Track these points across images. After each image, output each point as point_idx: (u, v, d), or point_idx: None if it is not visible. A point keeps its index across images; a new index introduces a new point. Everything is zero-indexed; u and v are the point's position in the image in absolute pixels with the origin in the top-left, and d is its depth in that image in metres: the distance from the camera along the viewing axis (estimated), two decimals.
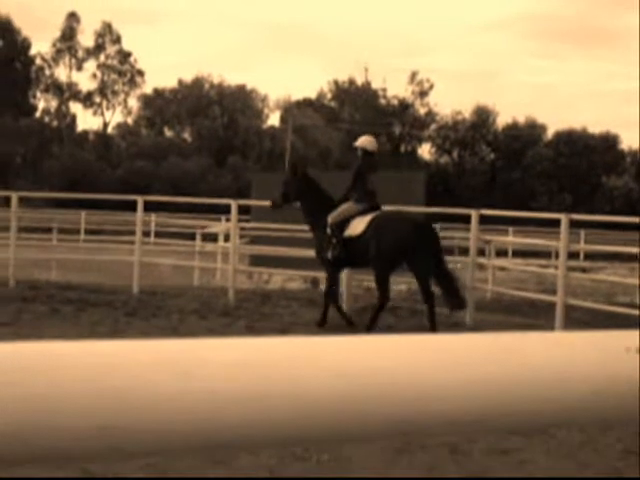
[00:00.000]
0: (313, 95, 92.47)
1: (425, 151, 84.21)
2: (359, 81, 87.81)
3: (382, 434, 1.41)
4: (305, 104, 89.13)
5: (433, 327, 12.58)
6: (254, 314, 13.85)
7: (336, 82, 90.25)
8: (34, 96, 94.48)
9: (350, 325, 13.30)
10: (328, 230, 13.14)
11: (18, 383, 1.14)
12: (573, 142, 75.56)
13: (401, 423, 1.35)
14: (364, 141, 13.72)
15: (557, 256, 17.99)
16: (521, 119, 79.99)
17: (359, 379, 1.30)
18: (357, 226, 12.99)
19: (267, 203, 19.09)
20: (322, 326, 13.08)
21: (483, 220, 15.61)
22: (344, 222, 13.10)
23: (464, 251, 20.37)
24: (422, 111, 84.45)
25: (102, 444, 1.18)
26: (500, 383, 1.40)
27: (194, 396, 1.21)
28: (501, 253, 29.13)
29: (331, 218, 13.15)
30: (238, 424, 1.24)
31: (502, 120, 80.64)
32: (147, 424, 1.19)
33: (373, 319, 12.75)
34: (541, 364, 1.45)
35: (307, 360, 1.30)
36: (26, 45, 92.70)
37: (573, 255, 23.22)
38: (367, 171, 13.41)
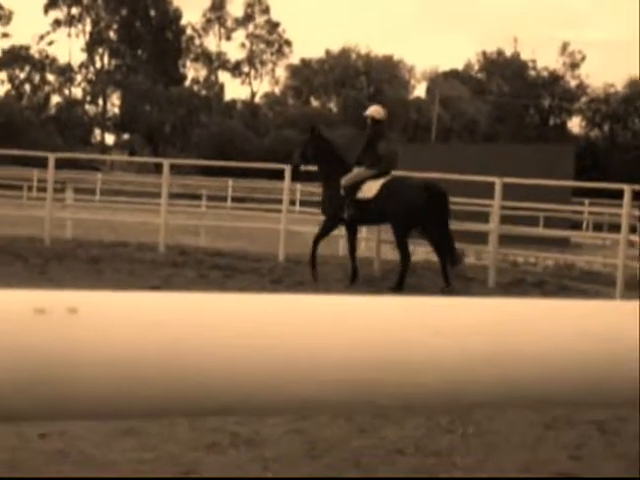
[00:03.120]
0: (460, 66, 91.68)
1: (575, 124, 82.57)
2: (508, 52, 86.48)
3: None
4: (452, 75, 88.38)
5: (447, 281, 13.61)
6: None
7: (484, 53, 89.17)
8: (184, 65, 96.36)
9: (353, 280, 14.07)
10: (342, 191, 13.97)
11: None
12: None
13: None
14: (373, 111, 14.53)
15: None
16: None
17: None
18: (370, 189, 13.83)
19: (414, 174, 19.02)
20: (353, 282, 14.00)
21: (635, 196, 15.21)
22: (356, 185, 13.92)
23: (614, 227, 19.89)
24: (573, 83, 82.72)
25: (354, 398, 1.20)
26: None
27: (444, 352, 1.22)
28: None
29: (345, 181, 13.98)
30: (484, 383, 1.24)
31: None
32: (399, 378, 1.21)
33: (400, 281, 13.48)
34: None
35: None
36: (177, 15, 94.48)
37: None
38: (376, 138, 14.35)
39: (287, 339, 1.17)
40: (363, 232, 20.34)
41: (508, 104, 78.67)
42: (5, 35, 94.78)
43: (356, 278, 14.08)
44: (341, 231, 19.69)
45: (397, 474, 5.27)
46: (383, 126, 14.72)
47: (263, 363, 1.15)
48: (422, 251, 19.73)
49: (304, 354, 1.17)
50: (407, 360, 1.21)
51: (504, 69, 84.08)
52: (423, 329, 1.23)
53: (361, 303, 1.26)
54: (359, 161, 14.18)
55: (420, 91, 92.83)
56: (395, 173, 14.55)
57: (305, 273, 14.70)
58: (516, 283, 14.90)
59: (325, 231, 14.59)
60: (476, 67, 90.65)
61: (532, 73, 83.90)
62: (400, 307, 1.27)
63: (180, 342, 1.12)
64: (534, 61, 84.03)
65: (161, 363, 1.11)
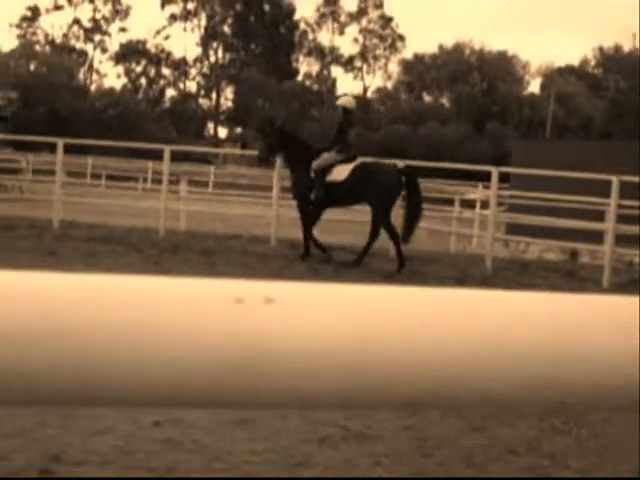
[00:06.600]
0: (576, 62, 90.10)
1: None
2: (626, 48, 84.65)
3: None
4: (567, 71, 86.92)
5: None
6: (512, 283, 13.61)
7: (601, 49, 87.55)
8: (297, 60, 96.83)
9: (325, 254, 15.23)
10: (312, 174, 14.75)
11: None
12: None
13: None
14: (344, 101, 15.80)
15: None
16: None
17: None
18: (340, 173, 14.64)
19: (528, 171, 18.81)
20: (305, 258, 15.05)
21: None
22: (326, 168, 14.71)
23: None
24: None
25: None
26: None
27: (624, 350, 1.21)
28: None
29: (315, 164, 14.76)
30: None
31: None
32: (582, 377, 1.21)
33: (401, 260, 14.45)
34: None
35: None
36: (291, 10, 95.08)
37: None
38: (347, 126, 15.41)
39: (469, 334, 1.17)
40: (475, 228, 20.18)
41: (625, 101, 77.05)
42: (123, 30, 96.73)
43: (307, 255, 15.04)
44: (453, 227, 19.61)
45: (509, 474, 5.20)
46: (353, 115, 15.91)
47: (446, 357, 1.16)
48: (535, 249, 19.50)
49: (490, 350, 1.17)
50: (590, 358, 1.19)
51: (622, 65, 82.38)
52: (604, 327, 1.21)
53: (539, 300, 1.28)
54: (329, 147, 14.97)
55: (534, 87, 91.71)
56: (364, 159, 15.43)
57: (416, 270, 14.65)
58: (632, 284, 14.57)
59: (307, 217, 15.20)
60: (593, 63, 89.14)
61: None
62: (580, 303, 1.25)
63: (372, 334, 1.13)
64: None
65: (353, 355, 1.12)
